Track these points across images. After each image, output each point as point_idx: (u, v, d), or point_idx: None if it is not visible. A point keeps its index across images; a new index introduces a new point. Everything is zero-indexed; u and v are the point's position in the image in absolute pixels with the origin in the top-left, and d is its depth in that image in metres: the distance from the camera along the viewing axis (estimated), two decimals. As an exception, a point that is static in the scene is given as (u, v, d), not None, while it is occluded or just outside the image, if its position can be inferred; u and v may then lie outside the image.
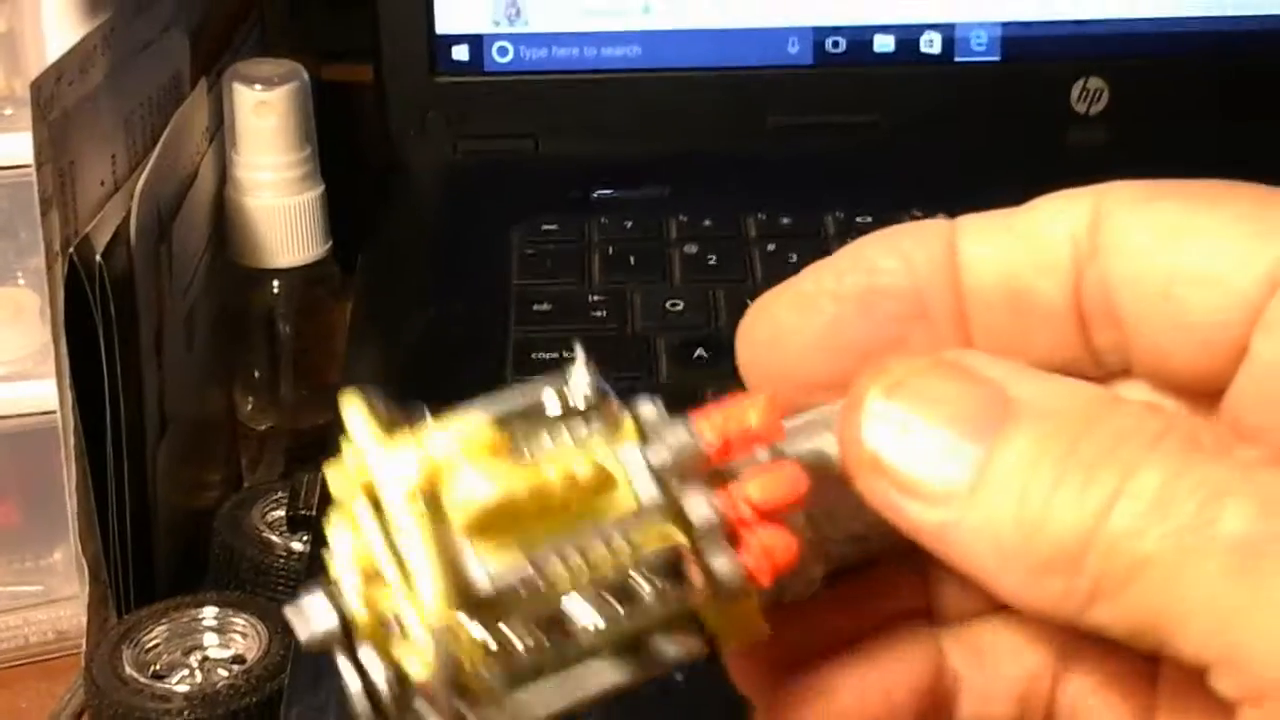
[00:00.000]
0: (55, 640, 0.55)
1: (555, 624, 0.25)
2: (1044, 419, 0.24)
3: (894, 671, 0.28)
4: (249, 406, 0.63)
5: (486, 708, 0.25)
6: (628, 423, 0.26)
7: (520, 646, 0.25)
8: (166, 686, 0.47)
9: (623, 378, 0.52)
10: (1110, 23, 0.70)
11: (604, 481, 0.25)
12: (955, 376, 0.25)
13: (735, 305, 0.59)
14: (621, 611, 0.25)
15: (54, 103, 0.48)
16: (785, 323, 0.28)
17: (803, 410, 0.28)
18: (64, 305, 0.49)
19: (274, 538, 0.53)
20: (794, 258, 0.61)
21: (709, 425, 0.26)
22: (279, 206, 0.60)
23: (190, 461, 0.59)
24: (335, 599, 0.25)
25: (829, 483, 0.27)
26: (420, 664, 0.24)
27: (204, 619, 0.49)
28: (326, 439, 0.56)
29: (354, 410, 0.25)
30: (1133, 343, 0.26)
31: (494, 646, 0.24)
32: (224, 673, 0.48)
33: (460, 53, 0.70)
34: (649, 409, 0.26)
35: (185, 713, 0.45)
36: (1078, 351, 0.27)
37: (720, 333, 0.58)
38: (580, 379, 0.26)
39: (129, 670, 0.47)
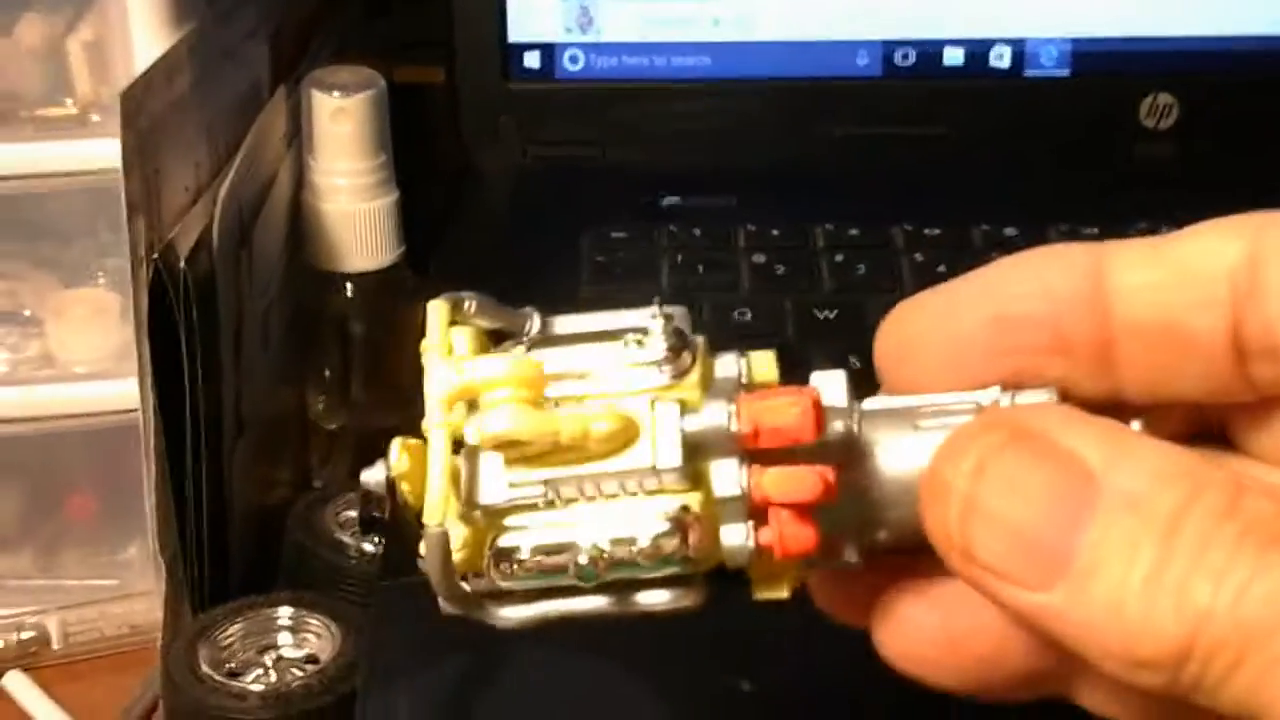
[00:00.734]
0: (129, 634, 0.56)
1: (558, 550, 0.27)
2: (1130, 506, 0.24)
3: None
4: (320, 406, 0.64)
5: (485, 601, 0.28)
6: (691, 379, 0.27)
7: (522, 556, 0.27)
8: (242, 685, 0.48)
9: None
10: (1181, 39, 0.70)
11: (628, 436, 0.27)
12: (1034, 452, 0.25)
13: (803, 315, 0.59)
14: (616, 552, 0.27)
15: (142, 111, 0.49)
16: (918, 336, 0.28)
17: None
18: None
19: (346, 539, 0.54)
20: (862, 269, 0.62)
21: (748, 410, 0.27)
22: (354, 212, 0.61)
23: (263, 460, 0.60)
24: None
25: (886, 479, 0.27)
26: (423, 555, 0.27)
27: (279, 618, 0.50)
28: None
29: (433, 312, 0.29)
30: None
31: (494, 552, 0.27)
32: (298, 672, 0.48)
33: (532, 60, 0.70)
34: (727, 368, 0.28)
35: (260, 712, 0.46)
36: (1231, 381, 0.27)
37: (789, 342, 0.58)
38: (656, 327, 0.28)
39: (205, 668, 0.48)
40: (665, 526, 0.27)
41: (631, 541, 0.27)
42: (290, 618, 0.50)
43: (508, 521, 0.27)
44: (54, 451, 0.57)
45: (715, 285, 0.61)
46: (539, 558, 0.27)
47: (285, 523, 0.56)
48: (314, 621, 0.50)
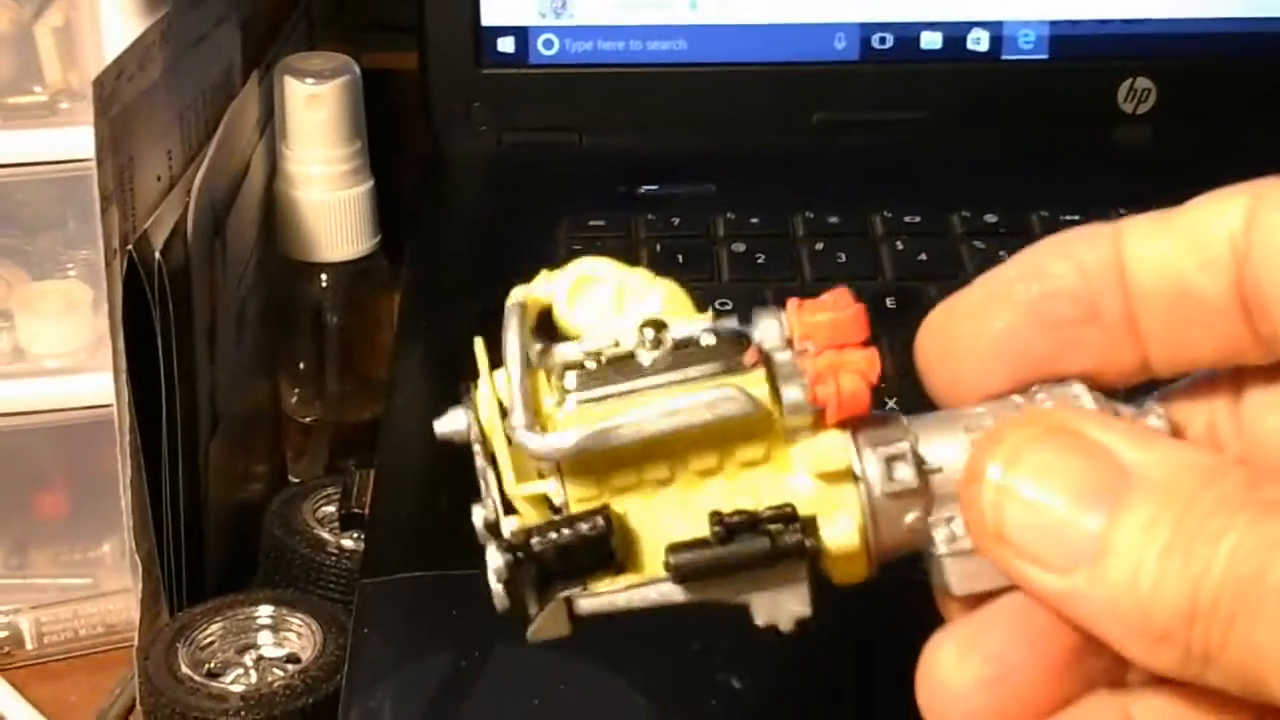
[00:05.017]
0: (104, 634, 0.55)
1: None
2: (1154, 493, 0.25)
3: None
4: (294, 399, 0.63)
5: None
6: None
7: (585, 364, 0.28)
8: (222, 686, 0.47)
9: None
10: (1158, 22, 0.70)
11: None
12: (1069, 446, 0.26)
13: (783, 304, 0.59)
14: (676, 332, 0.28)
15: (114, 99, 0.48)
16: (959, 333, 0.29)
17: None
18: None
19: (325, 535, 0.53)
20: (842, 257, 0.61)
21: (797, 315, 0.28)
22: (329, 200, 0.60)
23: (239, 455, 0.59)
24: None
25: (941, 479, 0.28)
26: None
27: (259, 617, 0.49)
28: (372, 432, 0.56)
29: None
30: None
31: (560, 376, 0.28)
32: (279, 672, 0.48)
33: (506, 45, 0.69)
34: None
35: (242, 713, 0.45)
36: (1245, 343, 0.27)
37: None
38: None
39: (184, 669, 0.47)
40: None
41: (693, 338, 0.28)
42: (270, 616, 0.49)
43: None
44: (24, 448, 0.56)
45: (695, 274, 0.61)
46: (599, 360, 0.28)
47: (261, 518, 0.55)
48: (295, 620, 0.49)
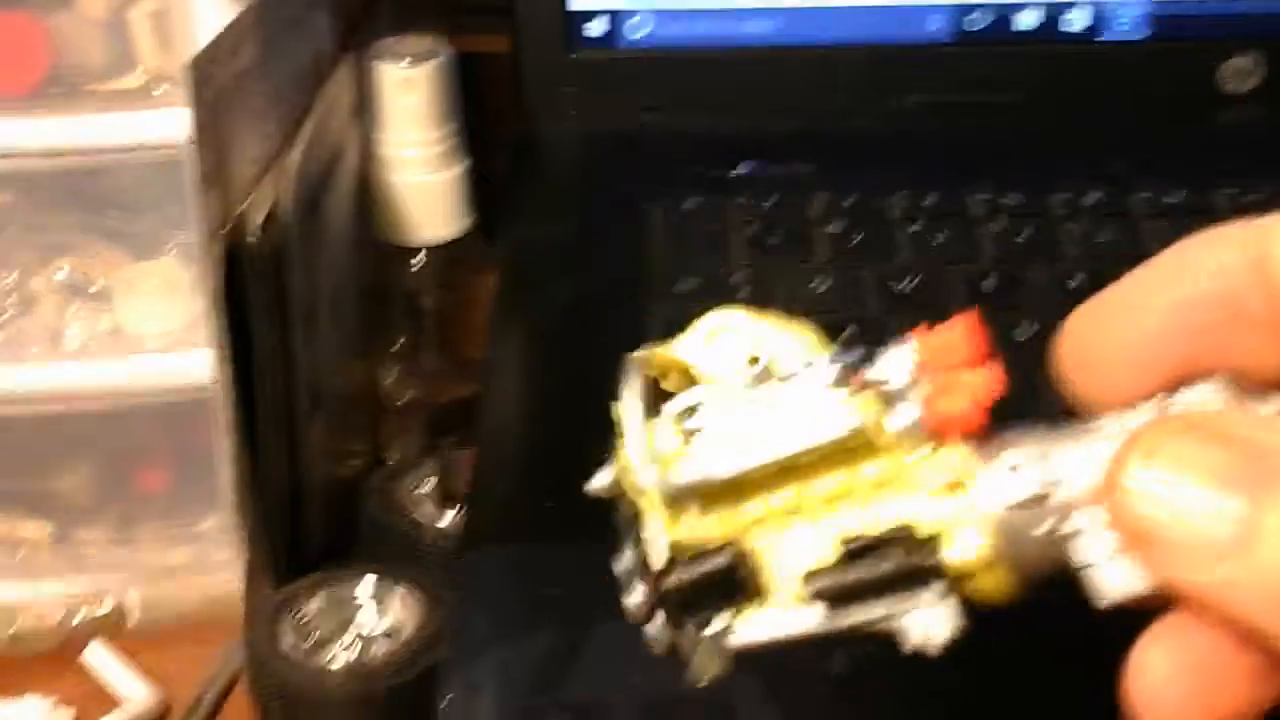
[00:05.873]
0: (206, 607, 0.56)
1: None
2: None
3: None
4: (391, 379, 0.64)
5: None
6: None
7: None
8: (325, 660, 0.47)
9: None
10: (1263, 0, 0.69)
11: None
12: (1208, 437, 0.26)
13: (880, 286, 0.58)
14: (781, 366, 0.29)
15: (209, 83, 0.48)
16: (1100, 340, 0.29)
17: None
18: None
19: (423, 513, 0.54)
20: (939, 238, 0.60)
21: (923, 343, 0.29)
22: (423, 183, 0.60)
23: (337, 434, 0.59)
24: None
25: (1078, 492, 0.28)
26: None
27: (361, 591, 0.50)
28: (468, 411, 0.56)
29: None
30: None
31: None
32: (380, 646, 0.48)
33: (596, 28, 0.69)
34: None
35: (346, 687, 0.45)
36: None
37: (865, 314, 0.57)
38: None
39: (288, 643, 0.47)
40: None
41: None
42: (372, 591, 0.50)
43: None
44: (127, 425, 0.57)
45: (789, 257, 0.60)
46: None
47: (359, 498, 0.56)
48: (396, 594, 0.49)
